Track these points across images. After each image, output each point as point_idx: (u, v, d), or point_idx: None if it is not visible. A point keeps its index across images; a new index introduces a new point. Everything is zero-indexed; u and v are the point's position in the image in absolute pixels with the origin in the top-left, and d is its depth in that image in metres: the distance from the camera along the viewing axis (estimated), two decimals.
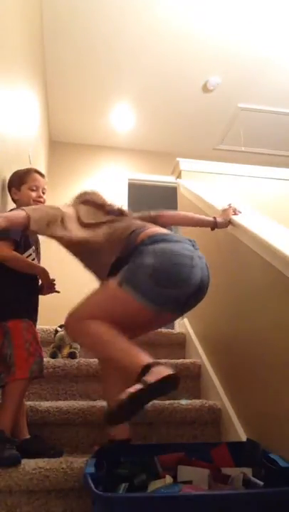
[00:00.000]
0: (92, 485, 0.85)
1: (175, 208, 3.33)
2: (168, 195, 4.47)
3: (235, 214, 1.57)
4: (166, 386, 1.05)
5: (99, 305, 1.23)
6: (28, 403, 1.46)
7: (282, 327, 1.09)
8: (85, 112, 3.88)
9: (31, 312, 1.42)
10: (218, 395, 1.54)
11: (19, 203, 1.55)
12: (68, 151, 4.31)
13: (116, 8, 2.81)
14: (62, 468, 1.13)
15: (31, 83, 2.59)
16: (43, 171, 3.61)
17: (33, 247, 1.53)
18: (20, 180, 1.58)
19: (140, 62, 3.29)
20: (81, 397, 1.65)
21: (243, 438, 1.26)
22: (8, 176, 1.66)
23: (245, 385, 1.34)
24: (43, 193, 1.61)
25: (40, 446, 1.30)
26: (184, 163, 2.84)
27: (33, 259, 1.51)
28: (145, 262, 1.20)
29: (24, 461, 1.18)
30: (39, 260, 1.61)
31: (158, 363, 1.09)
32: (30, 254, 1.50)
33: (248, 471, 1.01)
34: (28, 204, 1.49)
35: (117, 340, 1.15)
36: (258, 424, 1.23)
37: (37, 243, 1.60)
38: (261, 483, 0.94)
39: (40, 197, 1.58)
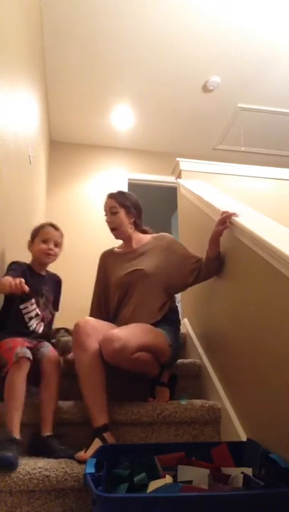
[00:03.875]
0: (92, 485, 0.85)
1: (175, 207, 3.33)
2: (168, 195, 4.48)
3: (228, 219, 1.56)
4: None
5: (147, 346, 1.46)
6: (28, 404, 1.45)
7: (283, 327, 1.09)
8: (85, 111, 3.89)
9: (14, 334, 1.53)
10: (218, 395, 1.54)
11: (33, 255, 1.73)
12: (68, 151, 4.32)
13: (116, 8, 2.81)
14: (62, 468, 1.12)
15: (31, 83, 2.59)
16: (43, 171, 3.64)
17: (32, 300, 1.64)
18: (34, 233, 1.74)
19: (140, 62, 3.29)
20: (81, 397, 1.64)
21: (243, 438, 1.26)
22: (6, 175, 1.66)
23: (245, 385, 1.34)
24: (56, 245, 1.73)
25: (53, 444, 1.32)
26: (184, 163, 2.84)
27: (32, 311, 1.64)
28: (180, 343, 1.82)
29: (24, 461, 1.18)
30: (44, 311, 1.71)
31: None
32: (26, 307, 1.63)
33: (248, 471, 1.01)
34: (39, 256, 1.70)
35: (153, 360, 1.50)
36: (258, 424, 1.23)
37: (42, 293, 1.70)
38: (261, 483, 0.94)
39: (50, 249, 1.70)
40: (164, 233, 1.85)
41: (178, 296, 4.60)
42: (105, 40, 3.08)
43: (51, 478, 1.10)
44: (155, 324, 1.61)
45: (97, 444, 1.25)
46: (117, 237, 1.82)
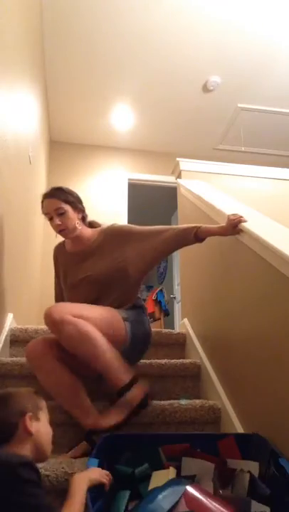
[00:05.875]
0: (90, 504, 0.81)
1: (175, 207, 3.33)
2: (168, 195, 4.47)
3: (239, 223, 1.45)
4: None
5: (90, 316, 1.34)
6: None
7: (283, 327, 1.09)
8: (85, 111, 3.89)
9: None
10: (218, 394, 1.54)
11: (33, 443, 0.87)
12: (68, 151, 4.32)
13: (116, 8, 2.81)
14: (63, 468, 1.12)
15: (31, 83, 2.59)
16: (43, 171, 3.64)
17: None
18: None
19: (140, 62, 3.29)
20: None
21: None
22: (6, 175, 1.65)
23: (245, 385, 1.34)
24: None
25: None
26: (184, 163, 2.83)
27: None
28: (146, 327, 1.60)
29: None
30: None
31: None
32: None
33: (254, 466, 0.98)
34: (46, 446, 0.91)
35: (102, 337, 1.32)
36: (258, 423, 1.23)
37: None
38: (268, 490, 0.90)
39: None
40: (112, 224, 1.68)
41: (178, 296, 4.58)
42: (105, 41, 3.07)
43: (51, 478, 1.09)
44: None
45: (82, 447, 1.23)
46: (66, 236, 1.60)
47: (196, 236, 1.51)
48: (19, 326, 2.04)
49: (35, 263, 3.23)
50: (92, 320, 1.31)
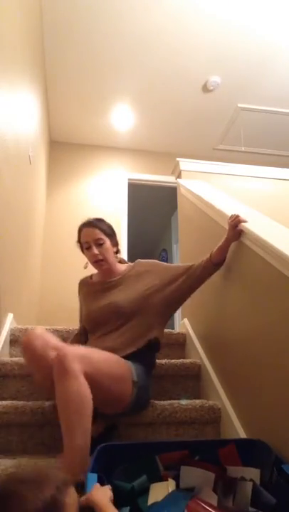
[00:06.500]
0: None
1: (175, 207, 3.33)
2: (168, 195, 4.48)
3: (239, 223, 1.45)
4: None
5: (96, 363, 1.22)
6: (28, 404, 1.45)
7: (282, 327, 1.09)
8: (85, 111, 3.89)
9: None
10: (218, 395, 1.54)
11: None
12: (68, 151, 4.32)
13: (116, 8, 2.81)
14: None
15: (31, 83, 2.59)
16: (43, 171, 3.64)
17: None
18: None
19: (140, 62, 3.29)
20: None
21: (243, 437, 1.26)
22: (6, 175, 1.65)
23: (246, 385, 1.34)
24: None
25: None
26: (184, 164, 2.83)
27: None
28: (149, 394, 1.46)
29: (23, 460, 1.18)
30: None
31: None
32: None
33: (255, 472, 0.96)
34: None
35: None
36: (258, 424, 1.23)
37: None
38: (274, 499, 0.87)
39: None
40: (139, 259, 1.73)
41: None
42: (105, 41, 3.07)
43: None
44: (125, 357, 1.38)
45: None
46: (100, 268, 1.60)
47: (213, 263, 1.56)
48: (19, 326, 2.04)
49: (35, 263, 3.23)
50: (106, 377, 1.22)
